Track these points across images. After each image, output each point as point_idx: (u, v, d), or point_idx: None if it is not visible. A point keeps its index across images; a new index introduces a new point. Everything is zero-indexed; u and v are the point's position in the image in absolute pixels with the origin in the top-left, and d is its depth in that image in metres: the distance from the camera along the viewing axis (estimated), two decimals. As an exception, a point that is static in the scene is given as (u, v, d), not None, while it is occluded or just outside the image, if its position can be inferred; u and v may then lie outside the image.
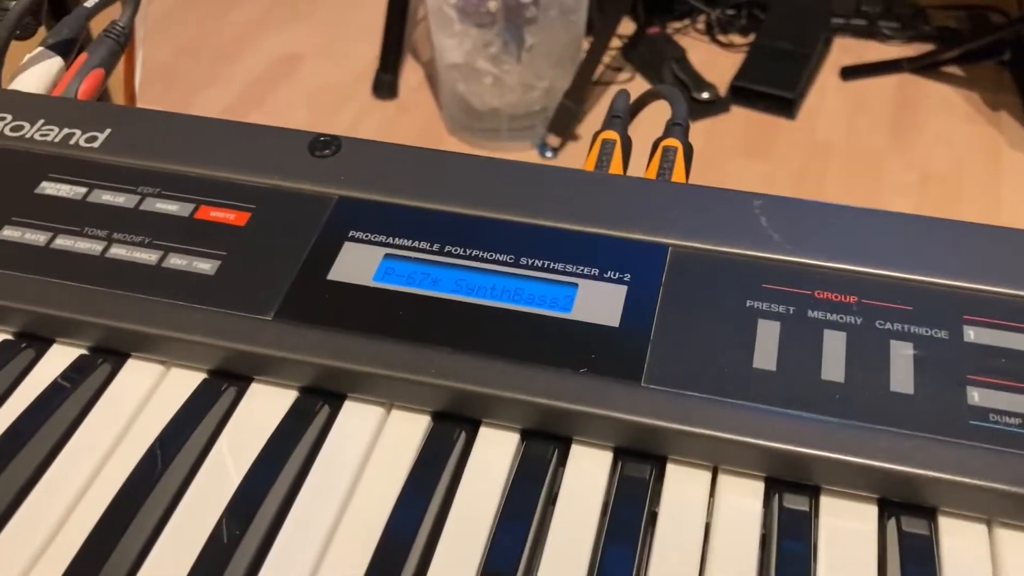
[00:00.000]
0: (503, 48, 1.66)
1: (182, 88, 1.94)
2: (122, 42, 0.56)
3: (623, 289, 0.40)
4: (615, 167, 0.48)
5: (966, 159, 1.73)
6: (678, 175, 0.47)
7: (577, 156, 1.71)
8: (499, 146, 1.76)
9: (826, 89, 1.88)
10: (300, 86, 1.95)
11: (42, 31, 0.59)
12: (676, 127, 0.49)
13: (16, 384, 0.40)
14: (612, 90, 1.86)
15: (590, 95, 1.77)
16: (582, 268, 0.41)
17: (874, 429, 0.35)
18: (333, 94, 1.92)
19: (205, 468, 0.38)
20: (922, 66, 1.88)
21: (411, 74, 1.95)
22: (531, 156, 1.75)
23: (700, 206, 0.43)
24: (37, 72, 0.54)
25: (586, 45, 1.73)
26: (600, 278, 0.41)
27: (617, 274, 0.41)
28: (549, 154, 1.73)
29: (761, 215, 0.42)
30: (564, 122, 1.71)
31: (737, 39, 1.98)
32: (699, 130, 1.77)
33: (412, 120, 1.86)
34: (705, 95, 1.80)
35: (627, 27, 1.95)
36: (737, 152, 1.75)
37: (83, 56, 0.54)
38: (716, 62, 1.92)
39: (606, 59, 1.85)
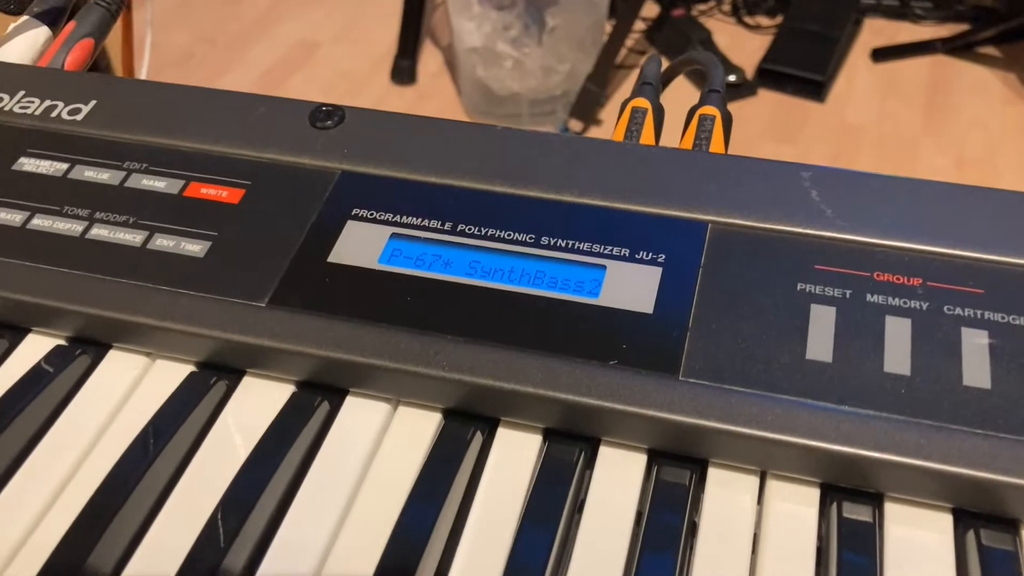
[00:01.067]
0: (523, 31, 1.61)
1: (199, 75, 1.91)
2: (114, 10, 0.52)
3: (657, 271, 0.36)
4: (647, 137, 0.43)
5: (1002, 142, 1.67)
6: (716, 146, 0.43)
7: (600, 141, 1.66)
8: (520, 132, 1.71)
9: (856, 71, 1.82)
10: (318, 72, 1.91)
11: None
12: (713, 94, 0.45)
13: (-13, 377, 0.37)
14: (635, 75, 1.81)
15: (613, 79, 1.72)
16: (611, 248, 0.37)
17: (946, 428, 0.31)
18: (351, 80, 1.88)
19: (192, 467, 0.34)
20: (956, 47, 1.82)
21: (430, 59, 1.91)
22: (553, 142, 1.70)
23: (742, 179, 0.39)
24: (22, 42, 0.50)
25: (609, 28, 1.68)
26: (631, 259, 0.36)
27: (650, 254, 0.37)
28: (571, 140, 1.68)
29: (812, 188, 0.38)
30: (586, 106, 1.66)
31: (764, 21, 1.92)
32: (725, 114, 1.72)
33: (431, 106, 1.81)
34: (732, 78, 1.75)
35: (651, 9, 1.90)
36: (766, 136, 1.69)
37: (71, 25, 0.51)
38: (743, 44, 1.86)
39: (629, 42, 1.80)
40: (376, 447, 0.34)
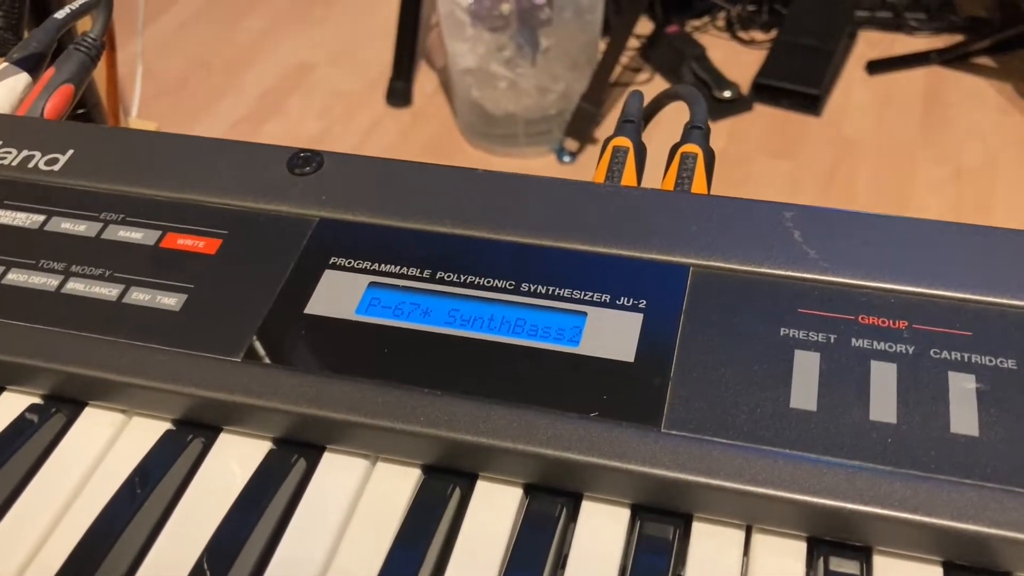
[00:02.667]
0: (517, 52, 1.61)
1: (195, 101, 1.91)
2: (93, 55, 0.52)
3: (638, 317, 0.35)
4: (628, 177, 0.43)
5: (1000, 152, 1.66)
6: (698, 185, 0.42)
7: (596, 161, 1.66)
8: (516, 152, 1.71)
9: (852, 84, 1.82)
10: (313, 95, 1.91)
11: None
12: (695, 131, 0.44)
13: (-40, 438, 0.36)
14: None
15: (608, 97, 1.72)
16: (591, 294, 0.36)
17: (934, 479, 0.30)
18: (347, 102, 1.88)
19: (169, 527, 0.33)
20: (951, 58, 1.82)
21: (425, 81, 1.91)
22: (549, 161, 1.70)
23: (724, 220, 0.38)
24: (1, 89, 0.49)
25: (603, 46, 1.68)
26: (612, 305, 0.36)
27: (631, 300, 0.36)
28: (567, 159, 1.68)
29: (794, 228, 0.37)
30: (582, 126, 1.66)
31: (759, 35, 1.92)
32: (722, 130, 1.72)
33: (427, 127, 1.81)
34: (727, 94, 1.74)
35: (645, 27, 1.90)
36: (762, 151, 1.69)
37: (51, 71, 0.50)
38: (738, 60, 1.86)
39: (624, 60, 1.80)
40: (354, 505, 0.33)
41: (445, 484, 0.33)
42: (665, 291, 0.36)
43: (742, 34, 1.93)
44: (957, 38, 1.86)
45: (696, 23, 1.95)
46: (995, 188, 1.61)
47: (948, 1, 1.91)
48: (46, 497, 0.35)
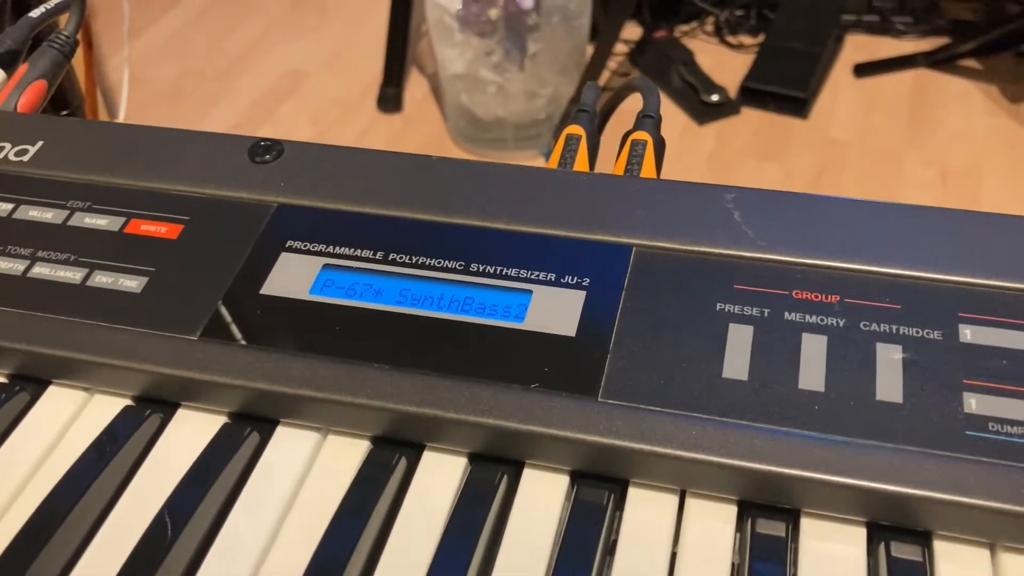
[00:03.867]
0: (505, 57, 1.63)
1: (188, 108, 1.92)
2: (67, 52, 0.53)
3: (581, 295, 0.37)
4: (580, 164, 0.44)
5: (986, 153, 1.67)
6: (648, 170, 0.43)
7: (584, 163, 1.67)
8: (506, 156, 1.73)
9: (839, 87, 1.83)
10: (305, 102, 1.93)
11: None
12: (647, 119, 0.45)
13: (-72, 416, 0.37)
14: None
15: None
16: (537, 273, 0.38)
17: (859, 444, 0.31)
18: (338, 109, 1.90)
19: (125, 497, 0.34)
20: (938, 60, 1.83)
21: (416, 87, 1.93)
22: (538, 164, 1.71)
23: (668, 202, 0.39)
24: (-24, 86, 0.51)
25: (591, 51, 1.70)
26: (556, 283, 0.37)
27: (575, 279, 0.37)
28: (556, 162, 1.70)
29: (734, 210, 0.39)
30: (570, 129, 1.67)
31: (747, 40, 1.94)
32: (710, 133, 1.73)
33: (417, 133, 1.83)
34: (715, 97, 1.76)
35: (634, 32, 1.91)
36: (749, 154, 1.70)
37: (24, 67, 0.52)
38: (726, 64, 1.88)
39: (612, 64, 1.82)
40: (304, 475, 0.35)
41: (391, 455, 0.35)
42: (608, 270, 0.37)
43: (730, 38, 1.94)
44: (943, 40, 1.87)
45: (684, 28, 1.97)
46: (981, 189, 1.62)
47: (934, 4, 1.93)
48: (8, 472, 0.36)
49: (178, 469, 0.35)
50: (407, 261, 0.39)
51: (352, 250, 0.39)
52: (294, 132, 1.84)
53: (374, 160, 0.43)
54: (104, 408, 0.37)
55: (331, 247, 0.39)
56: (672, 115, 1.76)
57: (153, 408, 0.37)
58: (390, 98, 1.86)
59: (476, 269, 0.38)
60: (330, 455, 0.35)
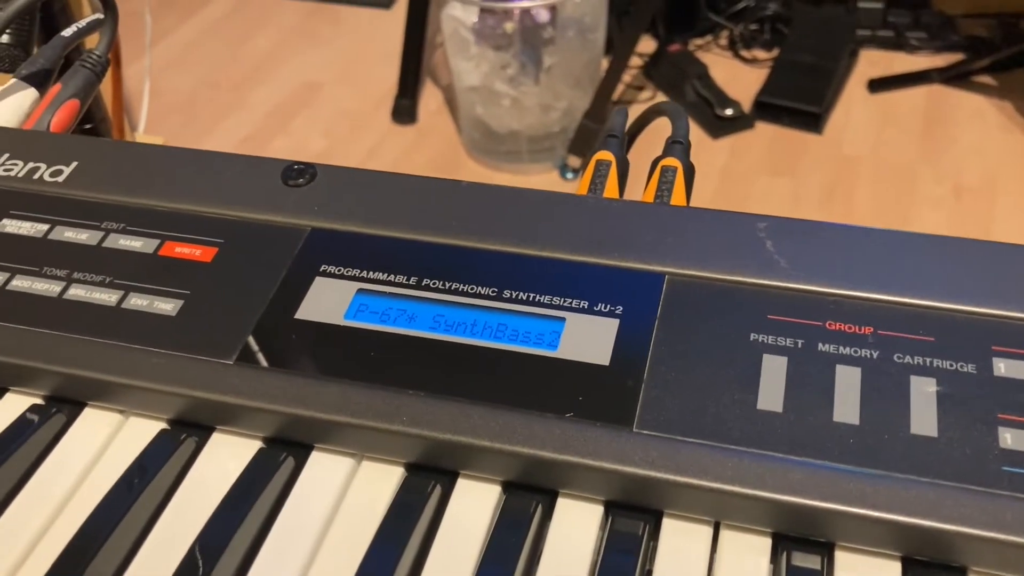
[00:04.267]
0: (520, 70, 1.63)
1: (203, 118, 1.94)
2: (99, 71, 0.54)
3: (614, 323, 0.37)
4: (610, 190, 0.44)
5: (1000, 170, 1.67)
6: (677, 197, 0.43)
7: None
8: (520, 168, 1.73)
9: (853, 102, 1.83)
10: (320, 113, 1.94)
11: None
12: (676, 145, 0.46)
13: (-35, 436, 0.38)
14: (633, 109, 1.83)
15: (610, 114, 1.73)
16: (570, 300, 0.38)
17: (894, 478, 0.32)
18: (353, 120, 1.91)
19: (161, 523, 0.35)
20: (952, 76, 1.83)
21: (430, 98, 1.94)
22: (552, 178, 1.72)
23: (700, 230, 0.39)
24: (9, 104, 0.51)
25: (606, 64, 1.70)
26: (590, 311, 0.37)
27: (608, 306, 0.37)
28: (570, 175, 1.70)
29: (767, 239, 0.39)
30: (584, 142, 1.68)
31: (761, 54, 1.94)
32: (723, 147, 1.74)
33: (432, 145, 1.84)
34: (729, 112, 1.76)
35: (648, 45, 1.92)
36: (763, 169, 1.70)
37: (57, 86, 0.52)
38: (740, 78, 1.88)
39: (627, 78, 1.82)
40: (339, 501, 0.35)
41: (426, 482, 0.35)
42: (641, 298, 0.38)
43: (744, 53, 1.95)
44: (958, 57, 1.87)
45: (699, 42, 1.97)
46: (995, 206, 1.62)
47: (949, 20, 1.93)
48: (44, 494, 0.36)
49: (214, 493, 0.35)
50: (440, 287, 0.39)
51: (386, 275, 0.39)
52: (307, 144, 1.85)
53: (407, 184, 0.43)
54: (139, 431, 0.38)
55: (365, 272, 0.40)
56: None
57: (188, 432, 0.37)
58: (404, 109, 1.87)
59: (509, 295, 0.38)
60: (365, 481, 0.35)
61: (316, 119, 1.92)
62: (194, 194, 0.43)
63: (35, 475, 0.37)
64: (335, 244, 0.41)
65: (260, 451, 0.36)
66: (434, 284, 0.39)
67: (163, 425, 0.38)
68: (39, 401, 0.39)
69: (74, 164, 0.46)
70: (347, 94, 1.98)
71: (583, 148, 1.68)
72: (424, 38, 1.88)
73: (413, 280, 0.39)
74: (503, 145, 1.72)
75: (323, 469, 0.36)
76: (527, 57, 1.62)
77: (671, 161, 0.45)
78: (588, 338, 0.37)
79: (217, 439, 0.37)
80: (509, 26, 1.59)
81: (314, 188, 0.43)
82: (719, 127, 1.75)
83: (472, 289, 0.39)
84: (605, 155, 0.46)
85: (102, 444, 0.37)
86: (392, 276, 0.39)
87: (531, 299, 0.38)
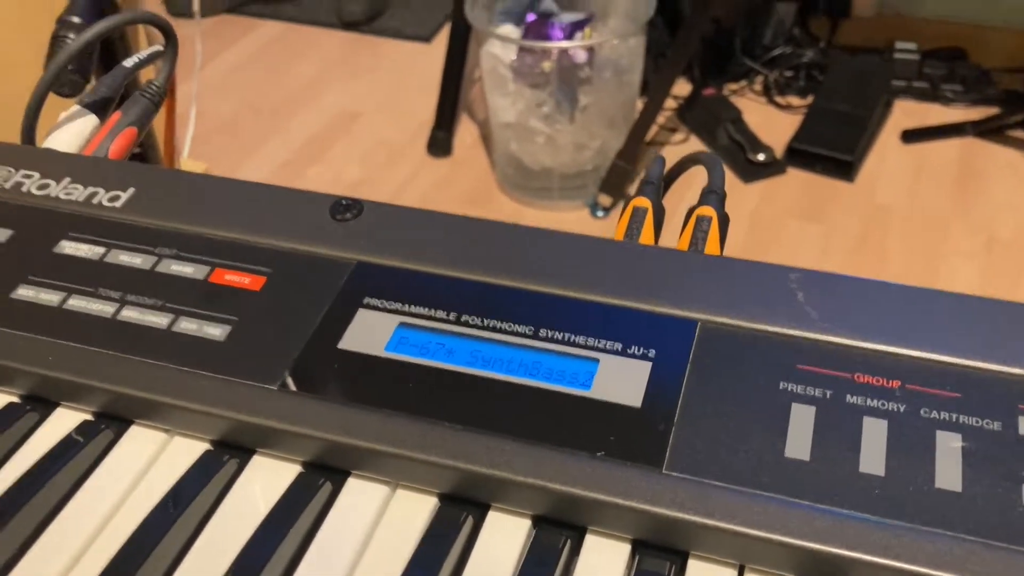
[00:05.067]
0: (556, 108, 1.66)
1: (242, 142, 1.97)
2: (157, 101, 0.56)
3: (647, 366, 0.38)
4: (646, 236, 0.46)
5: (1033, 225, 1.67)
6: (712, 246, 0.45)
7: (629, 216, 1.69)
8: (551, 204, 1.75)
9: (886, 152, 1.84)
10: (357, 142, 1.97)
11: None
12: (711, 195, 0.47)
13: (17, 447, 0.39)
14: (666, 151, 1.85)
15: (643, 155, 1.75)
16: (604, 342, 0.39)
17: (917, 530, 0.32)
18: (389, 150, 1.94)
19: (200, 541, 0.36)
20: (987, 130, 1.83)
21: (465, 132, 1.96)
22: (582, 215, 1.74)
23: (733, 279, 0.41)
24: (71, 130, 0.54)
25: (640, 105, 1.72)
26: (623, 353, 0.39)
27: (641, 349, 0.39)
28: (600, 214, 1.72)
29: (798, 290, 0.40)
30: (616, 182, 1.69)
31: (795, 101, 1.95)
32: (755, 192, 1.74)
33: (465, 177, 1.86)
34: (761, 156, 1.77)
35: (683, 88, 1.94)
36: (793, 214, 1.71)
37: (117, 114, 0.54)
38: (773, 123, 1.89)
39: (660, 120, 1.84)
40: (373, 528, 0.36)
41: (459, 513, 0.36)
42: (674, 343, 0.39)
43: (779, 98, 1.96)
44: (993, 110, 1.87)
45: (733, 86, 1.99)
46: (1027, 260, 1.61)
47: (985, 73, 1.93)
48: (89, 509, 0.37)
49: (253, 515, 0.36)
50: (479, 323, 0.40)
51: (427, 310, 0.41)
52: (343, 172, 1.88)
53: (450, 223, 0.44)
54: (183, 450, 0.39)
55: (407, 306, 0.41)
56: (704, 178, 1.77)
57: (230, 453, 0.38)
58: (440, 142, 1.90)
59: (545, 335, 0.39)
60: (398, 509, 0.36)
61: (353, 148, 1.95)
62: (245, 224, 0.45)
63: (81, 490, 0.38)
64: (379, 278, 0.42)
65: (299, 475, 0.38)
66: (473, 320, 0.40)
67: (206, 446, 0.39)
68: (88, 417, 0.41)
69: (131, 190, 0.48)
70: (384, 125, 2.01)
71: (614, 187, 1.70)
72: (462, 73, 1.91)
73: (453, 316, 0.41)
74: (535, 181, 1.74)
75: (359, 496, 0.37)
76: (563, 96, 1.65)
77: (706, 211, 0.46)
78: (621, 379, 0.38)
79: (258, 461, 0.38)
80: (547, 65, 1.61)
81: (360, 223, 0.45)
82: (751, 171, 1.76)
83: (510, 327, 0.40)
84: (642, 201, 0.47)
85: (147, 462, 0.39)
86: (433, 311, 0.41)
87: (567, 339, 0.39)
